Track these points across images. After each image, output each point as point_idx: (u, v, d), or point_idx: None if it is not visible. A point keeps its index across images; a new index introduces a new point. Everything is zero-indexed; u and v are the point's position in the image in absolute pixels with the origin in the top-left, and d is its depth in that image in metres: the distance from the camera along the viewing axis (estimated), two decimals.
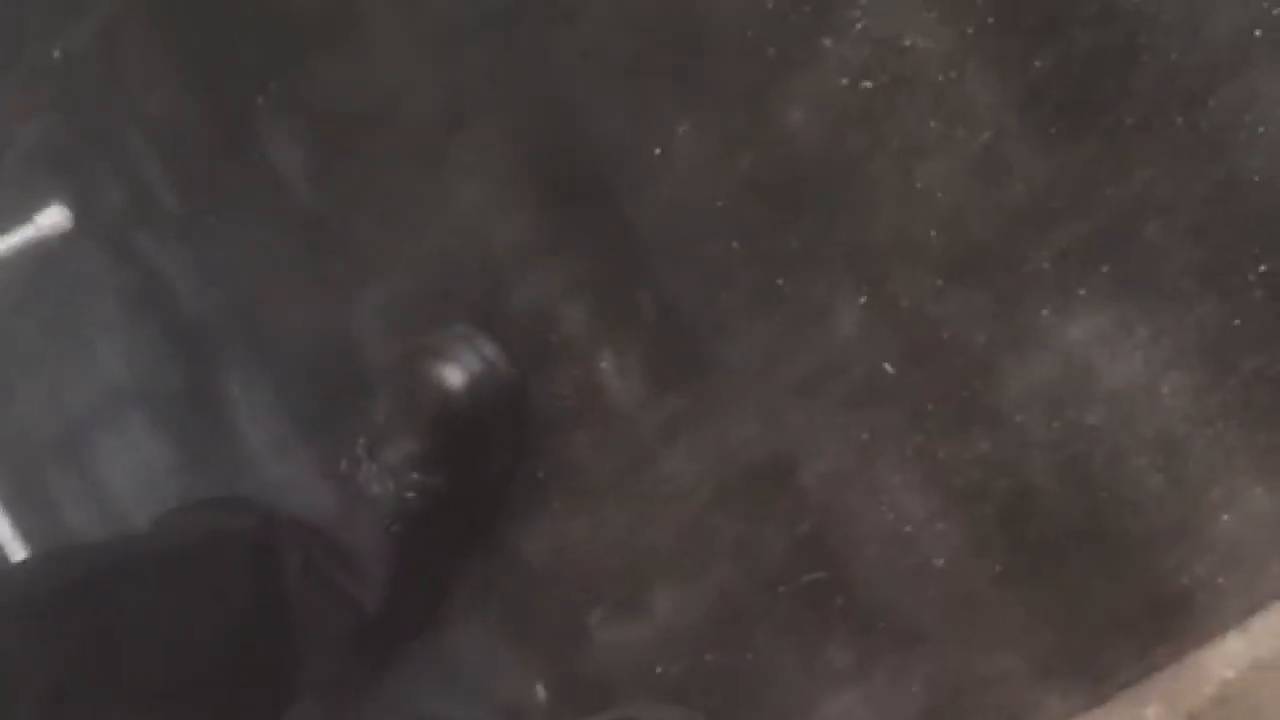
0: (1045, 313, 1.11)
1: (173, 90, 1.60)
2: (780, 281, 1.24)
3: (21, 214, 1.72)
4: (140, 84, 1.63)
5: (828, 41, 1.15)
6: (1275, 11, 0.98)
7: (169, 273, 1.69)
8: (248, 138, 1.54)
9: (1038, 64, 1.07)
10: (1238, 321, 1.05)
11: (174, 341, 1.69)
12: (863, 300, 1.19)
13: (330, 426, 1.51)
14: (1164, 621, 1.12)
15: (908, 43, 1.12)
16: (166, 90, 1.61)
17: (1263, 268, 1.03)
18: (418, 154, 1.41)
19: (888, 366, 1.20)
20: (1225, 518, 1.08)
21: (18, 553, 1.77)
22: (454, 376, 1.35)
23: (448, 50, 1.36)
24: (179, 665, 1.28)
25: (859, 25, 1.13)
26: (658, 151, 1.26)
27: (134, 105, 1.64)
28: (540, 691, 1.45)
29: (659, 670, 1.38)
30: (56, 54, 1.70)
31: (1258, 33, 0.99)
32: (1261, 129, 1.00)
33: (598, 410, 1.36)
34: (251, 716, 1.35)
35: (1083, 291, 1.09)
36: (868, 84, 1.14)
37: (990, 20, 1.08)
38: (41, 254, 1.73)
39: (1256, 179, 1.01)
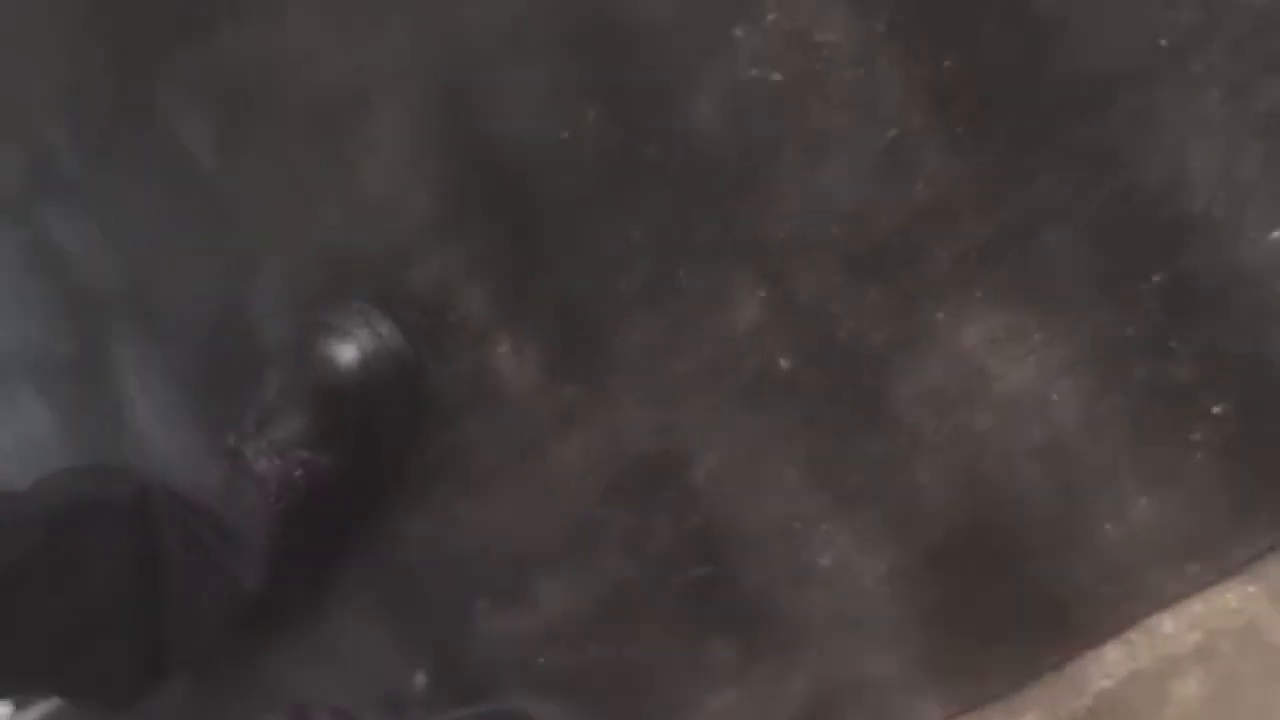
0: (941, 315, 1.11)
1: (77, 55, 1.57)
2: (680, 273, 1.23)
3: None
4: (44, 49, 1.60)
5: (739, 32, 1.14)
6: (1180, 21, 0.98)
7: (66, 240, 1.65)
8: (150, 107, 1.51)
9: (946, 64, 1.07)
10: (1130, 331, 1.05)
11: (67, 309, 1.66)
12: (762, 294, 1.19)
13: (221, 400, 1.49)
14: (1044, 630, 1.12)
15: (818, 38, 1.11)
16: (71, 55, 1.58)
17: (1157, 278, 1.03)
18: (324, 129, 1.39)
19: (783, 362, 1.19)
20: (1108, 527, 1.08)
21: None
22: (347, 354, 1.33)
23: (356, 27, 1.34)
24: (48, 625, 1.24)
25: (771, 17, 1.13)
26: (565, 135, 1.24)
27: (37, 70, 1.61)
28: (420, 679, 1.43)
29: (542, 661, 1.37)
30: None
31: (1163, 42, 0.99)
32: (1160, 139, 1.00)
33: (492, 396, 1.35)
34: (121, 684, 1.32)
35: (980, 294, 1.09)
36: (777, 76, 1.14)
37: (900, 19, 1.08)
38: None
39: (1155, 189, 1.01)
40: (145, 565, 1.33)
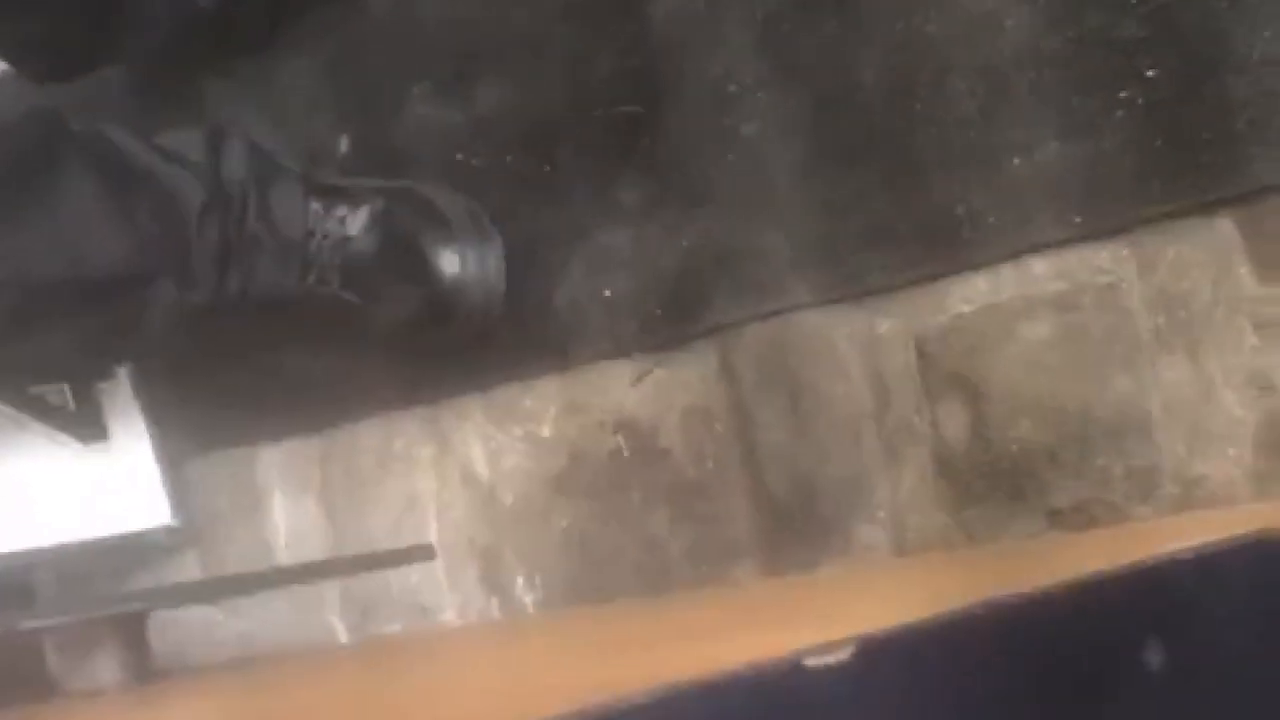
0: None
1: None
2: None
3: None
4: None
5: None
6: None
7: None
8: None
9: None
10: None
11: None
12: None
13: None
14: (926, 243, 1.17)
15: None
16: None
17: None
18: None
19: None
20: (1016, 161, 1.11)
21: None
22: None
23: None
24: None
25: None
26: None
27: None
28: (344, 143, 1.47)
29: (459, 158, 1.40)
30: None
31: None
32: None
33: None
34: (67, 43, 1.34)
35: None
36: None
37: None
38: None
39: None
40: None
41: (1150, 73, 1.05)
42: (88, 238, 1.29)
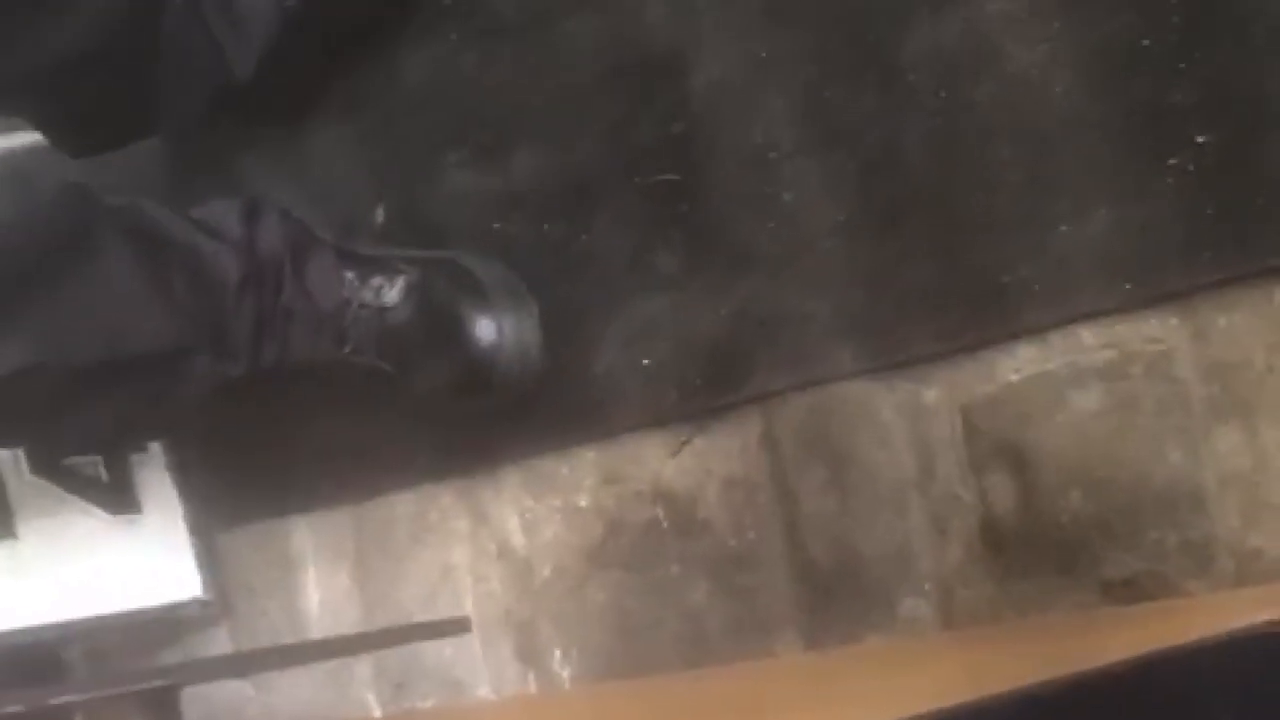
0: None
1: None
2: None
3: None
4: None
5: None
6: None
7: None
8: None
9: None
10: (1147, 42, 1.05)
11: None
12: None
13: None
14: (971, 311, 1.15)
15: None
16: None
17: None
18: None
19: None
20: (1064, 228, 1.10)
21: None
22: None
23: None
24: (47, 46, 1.27)
25: None
26: None
27: None
28: (380, 213, 1.46)
29: (496, 227, 1.39)
30: None
31: None
32: None
33: None
34: (104, 122, 1.34)
35: None
36: None
37: None
38: None
39: None
40: (146, 22, 1.34)
41: (1200, 139, 1.04)
42: (125, 315, 1.29)
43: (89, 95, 1.32)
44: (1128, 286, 1.08)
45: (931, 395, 1.19)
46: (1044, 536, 1.14)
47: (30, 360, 1.25)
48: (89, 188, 1.34)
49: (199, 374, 1.32)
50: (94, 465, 1.56)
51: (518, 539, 1.42)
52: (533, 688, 1.41)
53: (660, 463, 1.33)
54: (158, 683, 1.37)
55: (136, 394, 1.31)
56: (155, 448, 1.59)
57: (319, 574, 1.57)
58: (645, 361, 1.31)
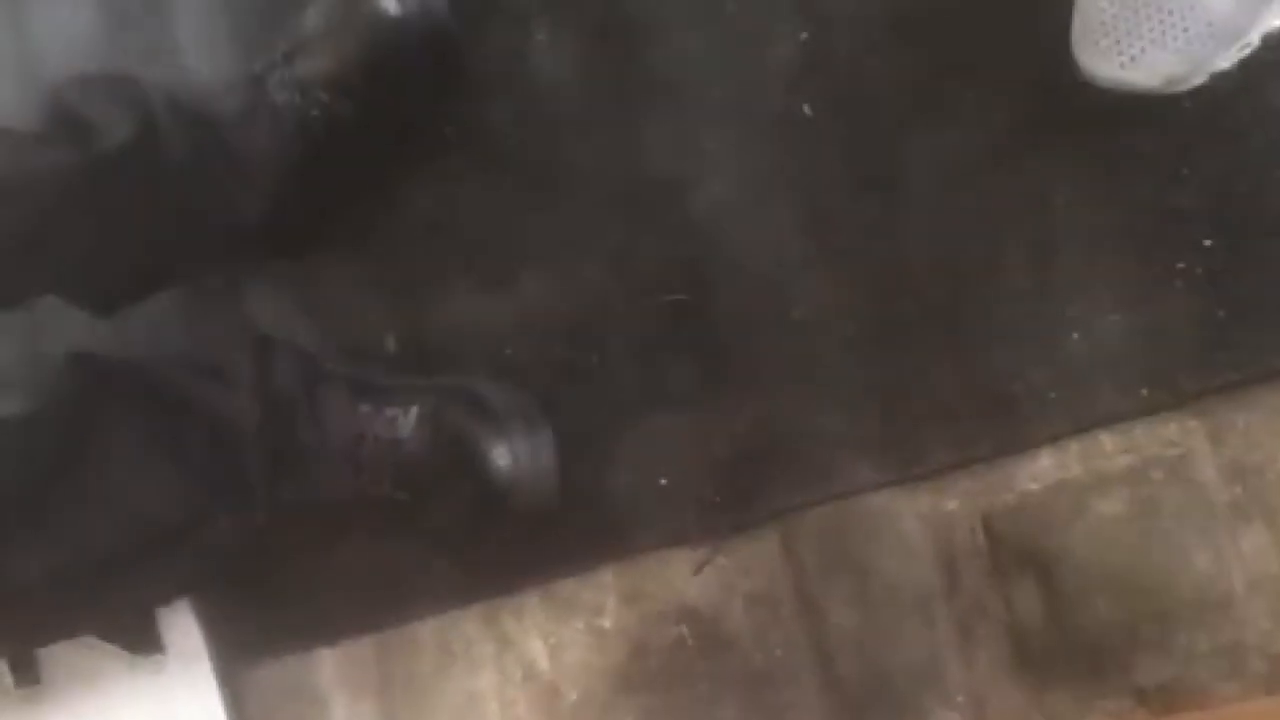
0: (972, 96, 1.12)
1: None
2: (730, 2, 1.23)
3: None
4: None
5: None
6: None
7: None
8: None
9: None
10: (1149, 148, 1.06)
11: None
12: (803, 37, 1.19)
13: (261, 26, 1.49)
14: (987, 421, 1.15)
15: None
16: None
17: (1188, 104, 1.03)
18: None
19: (806, 108, 1.20)
20: (1075, 336, 1.10)
21: None
22: (389, 6, 1.34)
23: None
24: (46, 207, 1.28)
25: None
26: None
27: None
28: (390, 342, 1.46)
29: (508, 352, 1.39)
30: None
31: None
32: None
33: (520, 83, 1.36)
34: (111, 281, 1.35)
35: None
36: None
37: None
38: None
39: None
40: (151, 173, 1.35)
41: (1207, 242, 1.04)
42: (142, 494, 1.29)
43: (96, 250, 1.32)
44: (1144, 391, 1.08)
45: (952, 505, 1.18)
46: (1073, 643, 1.13)
47: (57, 563, 1.25)
48: (94, 356, 1.35)
49: (221, 532, 1.32)
50: None
51: (543, 663, 1.41)
52: None
53: (683, 581, 1.32)
54: None
55: (158, 564, 1.31)
56: None
57: (344, 707, 1.55)
58: (662, 481, 1.30)
